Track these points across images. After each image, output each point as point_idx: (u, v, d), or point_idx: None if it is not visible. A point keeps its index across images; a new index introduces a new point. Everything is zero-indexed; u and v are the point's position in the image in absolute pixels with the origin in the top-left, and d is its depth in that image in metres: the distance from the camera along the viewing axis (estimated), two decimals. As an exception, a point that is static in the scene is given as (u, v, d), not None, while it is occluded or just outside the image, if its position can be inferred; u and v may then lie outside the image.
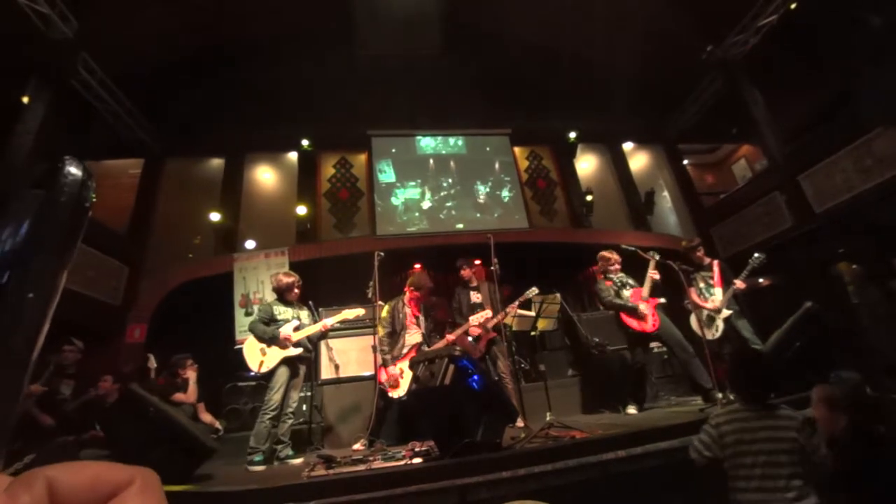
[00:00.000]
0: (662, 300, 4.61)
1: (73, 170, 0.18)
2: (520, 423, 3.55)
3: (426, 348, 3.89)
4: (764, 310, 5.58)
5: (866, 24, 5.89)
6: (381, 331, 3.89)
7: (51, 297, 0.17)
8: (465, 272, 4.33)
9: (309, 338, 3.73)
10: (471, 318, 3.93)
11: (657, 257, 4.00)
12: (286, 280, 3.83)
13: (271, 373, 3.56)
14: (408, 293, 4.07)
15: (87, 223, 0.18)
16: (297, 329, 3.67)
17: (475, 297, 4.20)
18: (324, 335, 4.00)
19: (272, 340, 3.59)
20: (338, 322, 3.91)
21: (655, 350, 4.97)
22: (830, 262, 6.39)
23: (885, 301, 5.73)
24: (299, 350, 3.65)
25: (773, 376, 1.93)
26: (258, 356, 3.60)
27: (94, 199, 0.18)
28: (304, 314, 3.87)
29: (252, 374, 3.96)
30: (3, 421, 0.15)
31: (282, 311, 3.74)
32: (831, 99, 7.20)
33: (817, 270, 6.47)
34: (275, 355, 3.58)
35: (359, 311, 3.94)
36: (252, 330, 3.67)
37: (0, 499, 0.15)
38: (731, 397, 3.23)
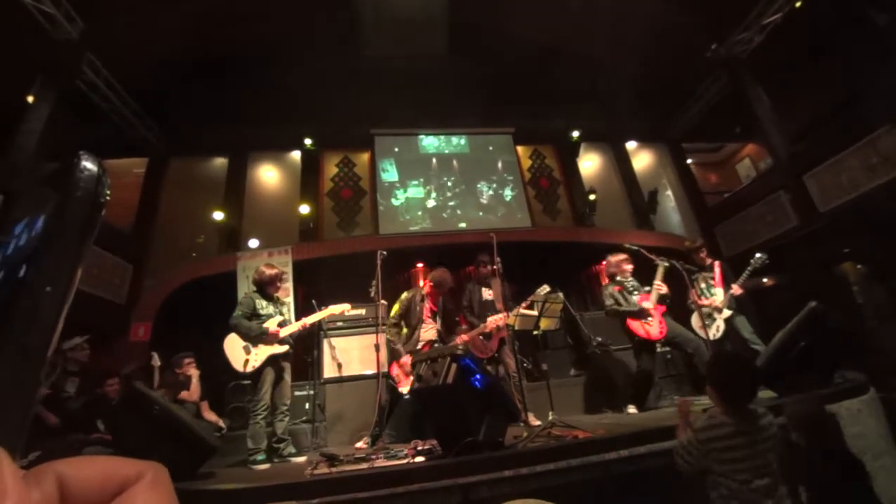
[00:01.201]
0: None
1: (89, 165, 0.18)
2: (534, 420, 3.56)
3: (439, 346, 3.85)
4: (768, 310, 5.56)
5: (871, 21, 5.84)
6: (391, 321, 3.83)
7: (67, 292, 0.17)
8: (486, 269, 4.26)
9: (291, 334, 3.58)
10: (488, 321, 3.87)
11: (666, 264, 3.85)
12: (269, 272, 3.61)
13: (258, 372, 3.40)
14: (427, 287, 4.01)
15: (101, 219, 0.18)
16: (281, 325, 3.51)
17: (487, 293, 4.18)
18: (309, 332, 3.86)
19: (260, 337, 3.40)
20: (324, 318, 3.79)
21: (658, 350, 4.95)
22: (835, 261, 6.35)
23: (889, 301, 5.69)
24: (285, 347, 3.51)
25: (757, 385, 1.84)
26: (242, 355, 3.41)
27: (109, 195, 0.18)
28: (286, 309, 3.73)
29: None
30: (20, 416, 0.16)
31: (263, 306, 3.55)
32: (836, 97, 7.15)
33: (822, 270, 6.44)
34: (261, 353, 3.42)
35: (345, 307, 3.81)
36: (237, 326, 3.43)
37: (17, 491, 0.15)
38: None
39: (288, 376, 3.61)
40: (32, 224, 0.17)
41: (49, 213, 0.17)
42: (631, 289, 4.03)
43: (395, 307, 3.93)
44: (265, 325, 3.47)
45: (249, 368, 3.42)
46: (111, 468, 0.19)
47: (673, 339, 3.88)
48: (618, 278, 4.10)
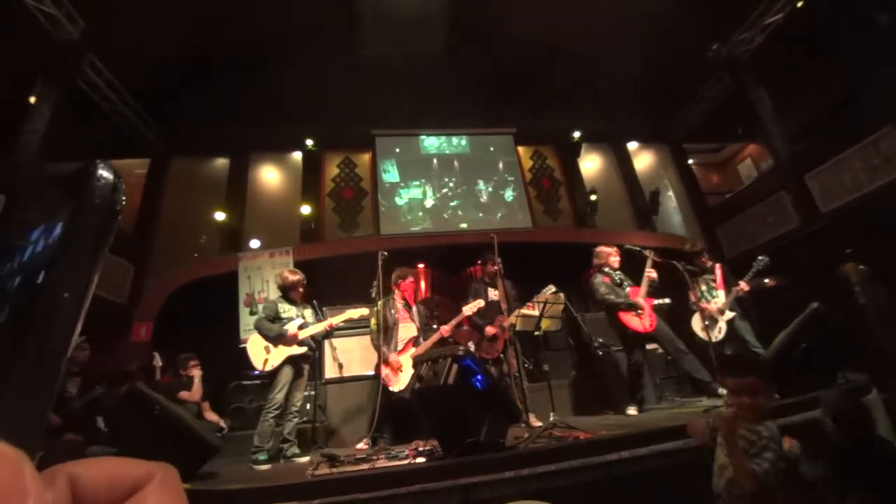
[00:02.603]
0: (666, 300, 4.53)
1: (106, 174, 0.18)
2: (535, 421, 3.57)
3: (422, 340, 3.93)
4: (770, 311, 5.54)
5: (873, 22, 5.83)
6: (373, 326, 3.92)
7: (84, 298, 0.17)
8: (493, 268, 4.26)
9: (313, 336, 3.73)
10: (463, 309, 3.94)
11: (654, 255, 3.91)
12: (292, 278, 3.81)
13: (275, 371, 3.56)
14: (396, 290, 4.11)
15: (116, 226, 0.18)
16: (301, 327, 3.66)
17: (493, 294, 4.19)
18: (328, 334, 4.00)
19: (279, 338, 3.58)
20: (343, 321, 3.90)
21: (659, 351, 4.95)
22: (837, 262, 6.33)
23: (892, 301, 5.67)
24: (304, 349, 3.64)
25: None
26: (262, 354, 3.60)
27: (124, 202, 0.19)
28: (308, 313, 3.87)
29: (257, 372, 3.96)
30: (38, 420, 0.16)
31: (286, 309, 3.73)
32: (838, 98, 7.14)
33: (823, 271, 6.42)
34: (280, 354, 3.58)
35: (363, 311, 3.93)
36: (258, 327, 3.64)
37: (36, 492, 0.15)
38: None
39: (305, 378, 3.73)
40: (50, 231, 0.18)
41: (66, 220, 0.18)
42: (619, 280, 4.05)
43: (372, 320, 4.00)
44: (285, 327, 3.60)
45: (268, 367, 3.56)
46: (121, 469, 0.20)
47: (657, 338, 3.90)
48: (605, 269, 4.12)
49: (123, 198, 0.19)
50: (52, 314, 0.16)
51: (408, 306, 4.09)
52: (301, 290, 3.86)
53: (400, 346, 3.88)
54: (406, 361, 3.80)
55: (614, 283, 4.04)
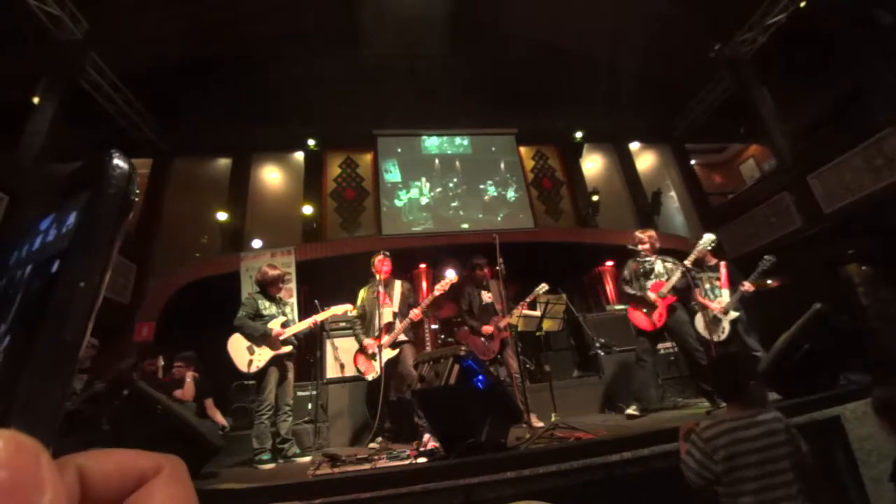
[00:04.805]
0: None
1: (121, 163, 0.18)
2: (536, 422, 3.55)
3: (398, 323, 3.75)
4: (772, 311, 5.53)
5: (877, 22, 5.82)
6: (355, 316, 3.84)
7: (100, 288, 0.17)
8: (481, 272, 4.23)
9: (295, 335, 3.60)
10: (434, 288, 3.77)
11: (688, 267, 3.72)
12: (271, 273, 3.64)
13: (261, 373, 3.41)
14: (378, 275, 3.91)
15: (130, 216, 0.19)
16: (284, 325, 3.53)
17: (486, 296, 4.17)
18: (312, 332, 3.87)
19: (263, 337, 3.43)
20: (326, 318, 3.79)
21: (662, 351, 4.93)
22: (840, 263, 6.32)
23: (894, 302, 5.65)
24: (289, 348, 3.52)
25: (752, 375, 1.79)
26: (246, 355, 3.43)
27: (138, 193, 0.19)
28: (288, 310, 3.75)
29: (253, 371, 3.84)
30: (54, 408, 0.16)
31: (266, 306, 3.56)
32: (841, 98, 7.12)
33: (826, 272, 6.40)
34: (265, 354, 3.42)
35: (347, 307, 3.81)
36: (241, 327, 3.45)
37: (54, 483, 0.15)
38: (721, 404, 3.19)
39: (291, 376, 3.63)
40: (63, 220, 0.18)
41: (81, 209, 0.18)
42: (647, 269, 3.87)
43: (358, 300, 3.92)
44: (269, 325, 3.49)
45: (253, 369, 3.43)
46: (130, 461, 0.19)
47: (674, 336, 3.82)
48: (637, 257, 3.99)
49: (137, 189, 0.19)
50: (67, 303, 0.16)
51: (388, 288, 3.89)
52: (280, 285, 3.70)
53: (377, 334, 3.76)
54: (379, 349, 3.67)
55: (642, 270, 3.86)
